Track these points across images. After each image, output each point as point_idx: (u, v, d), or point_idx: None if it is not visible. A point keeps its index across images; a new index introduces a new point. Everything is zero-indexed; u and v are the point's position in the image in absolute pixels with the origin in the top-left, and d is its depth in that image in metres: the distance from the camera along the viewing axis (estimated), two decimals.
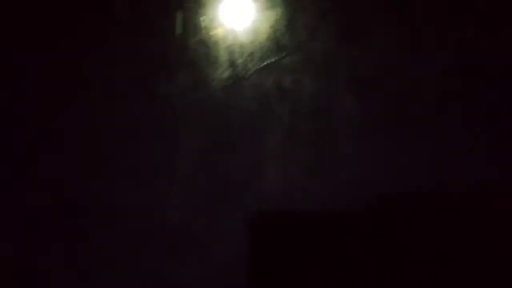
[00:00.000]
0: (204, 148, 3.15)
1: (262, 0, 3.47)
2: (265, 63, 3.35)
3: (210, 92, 3.27)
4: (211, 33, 3.36)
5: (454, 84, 3.20)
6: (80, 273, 3.07)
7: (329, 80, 3.29)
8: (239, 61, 3.38)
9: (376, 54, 3.34)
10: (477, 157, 3.00)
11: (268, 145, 3.16)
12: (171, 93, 3.23)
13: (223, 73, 3.32)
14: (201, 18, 3.35)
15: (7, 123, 3.22)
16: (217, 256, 3.06)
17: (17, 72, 3.24)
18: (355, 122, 3.20)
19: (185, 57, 3.30)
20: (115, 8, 3.29)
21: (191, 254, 3.07)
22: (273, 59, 3.37)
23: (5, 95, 3.24)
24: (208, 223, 3.10)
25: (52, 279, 3.03)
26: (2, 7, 3.30)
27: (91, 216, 3.11)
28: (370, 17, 3.41)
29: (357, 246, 2.79)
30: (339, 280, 2.71)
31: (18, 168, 3.17)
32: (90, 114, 3.25)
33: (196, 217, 3.11)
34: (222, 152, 3.14)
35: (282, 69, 3.36)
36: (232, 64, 3.34)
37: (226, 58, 3.35)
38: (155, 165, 3.22)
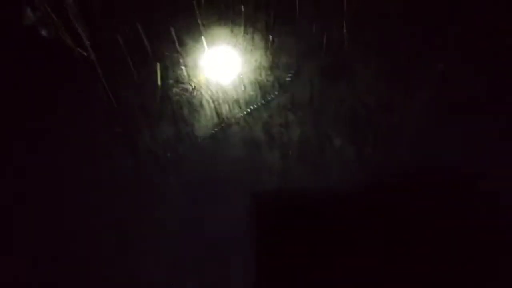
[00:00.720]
0: (192, 202, 3.01)
1: (243, 45, 3.44)
2: (251, 108, 3.26)
3: (195, 143, 3.16)
4: (193, 82, 3.28)
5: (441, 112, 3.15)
6: None
7: (317, 120, 3.20)
8: (224, 108, 3.30)
9: (363, 91, 3.28)
10: None
11: (261, 196, 3.03)
12: (154, 146, 3.11)
13: (208, 122, 3.22)
14: (182, 68, 3.28)
15: None
16: None
17: None
18: (349, 163, 3.09)
19: (168, 108, 3.21)
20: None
21: None
22: (259, 103, 3.28)
23: None
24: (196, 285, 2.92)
25: None
26: None
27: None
28: (354, 54, 3.37)
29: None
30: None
31: None
32: (72, 169, 3.12)
33: (184, 279, 2.94)
34: (211, 206, 2.99)
35: (269, 113, 3.27)
36: (217, 112, 3.25)
37: (210, 106, 3.26)
38: (141, 220, 3.07)
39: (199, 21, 3.51)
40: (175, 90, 3.32)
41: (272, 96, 3.36)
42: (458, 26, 3.25)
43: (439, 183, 2.89)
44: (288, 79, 3.40)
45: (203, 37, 3.38)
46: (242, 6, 3.52)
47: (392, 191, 2.92)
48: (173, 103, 3.31)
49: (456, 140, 3.07)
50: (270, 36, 3.58)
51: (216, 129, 3.22)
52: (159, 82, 3.33)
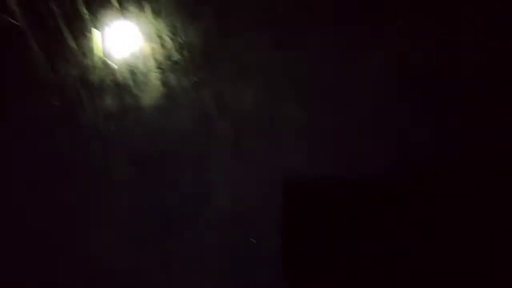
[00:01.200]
0: (140, 180, 2.85)
1: (189, 13, 3.26)
2: (200, 76, 3.11)
3: (141, 115, 2.98)
4: (137, 51, 3.08)
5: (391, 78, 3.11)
6: None
7: (269, 89, 3.10)
8: (172, 78, 3.12)
9: (314, 58, 3.20)
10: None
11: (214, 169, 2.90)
12: (97, 120, 2.90)
13: (154, 92, 3.04)
14: (124, 36, 3.07)
15: None
16: None
17: None
18: (303, 129, 3.02)
19: (109, 79, 2.99)
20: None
21: None
22: (208, 72, 3.13)
23: None
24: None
25: None
26: None
27: None
28: (304, 22, 3.28)
29: None
30: None
31: None
32: (7, 146, 2.88)
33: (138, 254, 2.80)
34: (160, 180, 2.84)
35: (219, 82, 3.12)
36: (163, 81, 3.07)
37: (155, 76, 3.08)
38: (87, 198, 2.89)
39: None
40: (116, 59, 3.15)
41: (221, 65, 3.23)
42: None
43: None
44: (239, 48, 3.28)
45: (148, 5, 3.18)
46: None
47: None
48: (115, 73, 3.13)
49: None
50: None
51: (163, 100, 3.08)
52: (100, 52, 3.12)
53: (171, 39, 3.08)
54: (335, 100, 3.05)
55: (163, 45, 3.06)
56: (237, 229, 2.81)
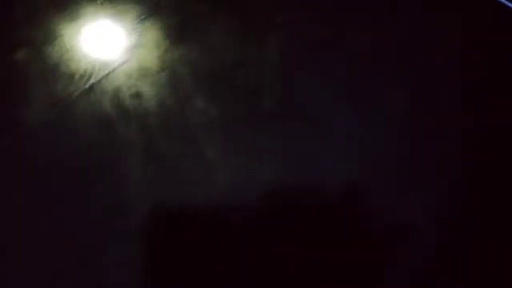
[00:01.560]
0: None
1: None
2: (91, 82, 2.78)
3: (29, 131, 2.54)
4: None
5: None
6: None
7: (173, 85, 2.90)
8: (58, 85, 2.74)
9: (217, 51, 3.10)
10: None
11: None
12: None
13: (40, 105, 2.61)
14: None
15: None
16: None
17: None
18: (212, 125, 2.87)
19: None
20: None
21: None
22: (99, 76, 2.82)
23: None
24: None
25: None
26: None
27: None
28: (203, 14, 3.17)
29: None
30: None
31: None
32: None
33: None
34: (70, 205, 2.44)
35: (117, 81, 2.83)
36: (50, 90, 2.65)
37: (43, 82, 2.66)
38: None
39: None
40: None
41: (114, 65, 2.94)
42: None
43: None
44: (131, 43, 3.04)
45: None
46: None
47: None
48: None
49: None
50: None
51: (52, 110, 2.66)
52: None
53: None
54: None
55: None
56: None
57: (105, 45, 3.00)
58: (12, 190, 2.44)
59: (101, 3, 3.18)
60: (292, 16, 3.35)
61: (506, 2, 2.59)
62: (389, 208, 2.63)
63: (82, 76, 2.81)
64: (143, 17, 3.18)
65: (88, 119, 2.70)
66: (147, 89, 2.85)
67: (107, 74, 2.86)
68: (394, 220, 2.62)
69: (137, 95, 2.82)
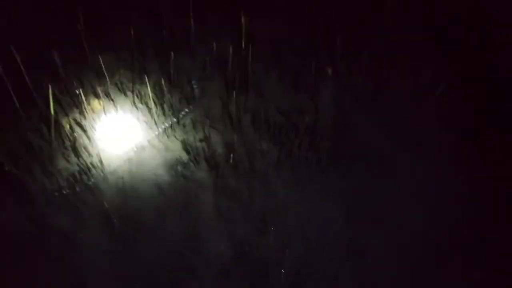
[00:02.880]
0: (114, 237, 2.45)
1: (139, 65, 3.16)
2: (163, 127, 2.96)
3: (106, 173, 2.65)
4: (90, 109, 2.82)
5: None
6: None
7: (237, 129, 3.05)
8: (134, 131, 2.92)
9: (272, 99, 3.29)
10: None
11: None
12: (52, 184, 2.52)
13: (117, 149, 2.77)
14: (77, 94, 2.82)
15: None
16: None
17: None
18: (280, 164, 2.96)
19: (63, 140, 2.66)
20: None
21: None
22: (170, 122, 3.00)
23: None
24: None
25: None
26: None
27: None
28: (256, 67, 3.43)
29: None
30: None
31: None
32: None
33: None
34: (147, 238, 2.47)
35: (185, 130, 2.99)
36: (126, 136, 2.83)
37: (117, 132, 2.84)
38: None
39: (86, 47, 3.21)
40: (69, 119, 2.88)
41: (183, 113, 3.14)
42: None
43: None
44: (196, 92, 3.27)
45: None
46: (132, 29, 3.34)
47: None
48: (68, 134, 2.82)
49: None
50: (172, 53, 3.49)
51: (129, 154, 2.83)
52: (52, 112, 2.81)
53: None
54: None
55: None
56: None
57: (173, 95, 3.25)
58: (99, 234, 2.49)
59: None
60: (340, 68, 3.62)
61: None
62: None
63: (155, 123, 3.01)
64: (206, 70, 3.46)
65: (161, 162, 2.84)
66: (212, 134, 3.01)
67: (177, 121, 3.05)
68: None
69: (205, 139, 2.98)
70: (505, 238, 2.60)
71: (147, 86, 3.29)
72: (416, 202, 2.76)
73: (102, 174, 2.73)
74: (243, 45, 3.66)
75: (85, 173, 2.69)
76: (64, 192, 2.62)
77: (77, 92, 3.04)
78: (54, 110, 2.82)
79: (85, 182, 2.67)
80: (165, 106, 3.15)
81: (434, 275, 2.50)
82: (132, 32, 3.63)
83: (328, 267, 2.48)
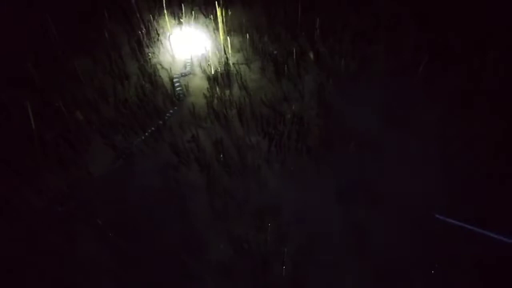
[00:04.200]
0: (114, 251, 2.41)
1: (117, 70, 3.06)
2: (149, 131, 2.89)
3: (98, 184, 2.60)
4: (73, 119, 2.72)
5: None
6: None
7: (224, 125, 3.00)
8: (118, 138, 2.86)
9: (258, 91, 3.23)
10: None
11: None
12: (40, 201, 2.44)
13: (104, 158, 2.70)
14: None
15: None
16: None
17: None
18: (269, 157, 2.92)
19: (50, 153, 2.57)
20: None
21: None
22: (156, 125, 2.93)
23: None
24: None
25: None
26: None
27: None
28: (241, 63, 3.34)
29: None
30: None
31: None
32: None
33: None
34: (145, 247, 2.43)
35: (172, 131, 2.94)
36: (112, 144, 2.76)
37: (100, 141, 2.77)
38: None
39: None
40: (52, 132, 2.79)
41: (168, 114, 3.08)
42: None
43: None
44: (179, 91, 3.21)
45: None
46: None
47: None
48: (55, 146, 2.76)
49: None
50: (150, 54, 3.44)
51: (118, 162, 2.77)
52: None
53: None
54: None
55: None
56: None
57: (156, 96, 3.19)
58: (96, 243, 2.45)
59: (148, 60, 3.42)
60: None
61: None
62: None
63: (140, 127, 2.96)
64: (187, 67, 3.39)
65: (151, 167, 2.79)
66: (201, 133, 2.97)
67: (162, 123, 3.00)
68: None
69: (193, 140, 2.93)
70: (499, 212, 2.62)
71: (128, 90, 3.23)
72: (410, 179, 2.76)
73: (92, 185, 2.68)
74: (221, 38, 3.61)
75: (75, 187, 2.64)
76: (55, 208, 2.57)
77: (57, 104, 2.97)
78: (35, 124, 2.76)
79: (75, 195, 2.62)
80: (148, 109, 3.10)
81: (436, 253, 2.51)
82: (107, 35, 3.56)
83: (329, 255, 2.47)
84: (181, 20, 3.77)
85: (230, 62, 3.44)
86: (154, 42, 3.60)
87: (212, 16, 3.73)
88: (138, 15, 3.71)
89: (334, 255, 2.47)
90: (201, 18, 3.84)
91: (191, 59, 3.45)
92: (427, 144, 2.93)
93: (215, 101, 3.16)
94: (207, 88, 3.26)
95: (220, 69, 3.36)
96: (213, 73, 3.34)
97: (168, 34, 3.67)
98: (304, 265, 2.42)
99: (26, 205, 2.58)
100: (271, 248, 2.47)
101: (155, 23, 3.71)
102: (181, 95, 3.18)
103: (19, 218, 2.55)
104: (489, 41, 3.49)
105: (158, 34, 3.63)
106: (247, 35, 3.61)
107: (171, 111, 3.07)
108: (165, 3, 3.72)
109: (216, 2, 3.68)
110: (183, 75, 3.34)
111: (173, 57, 3.50)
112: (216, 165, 2.81)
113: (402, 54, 3.51)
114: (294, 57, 3.46)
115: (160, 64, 3.43)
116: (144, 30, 3.62)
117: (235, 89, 3.27)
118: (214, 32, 3.68)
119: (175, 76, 3.31)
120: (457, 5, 3.79)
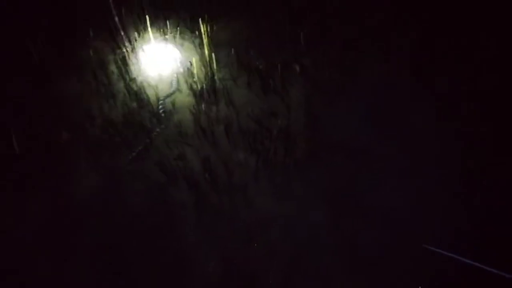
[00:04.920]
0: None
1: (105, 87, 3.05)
2: (135, 151, 2.88)
3: (83, 209, 2.58)
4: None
5: None
6: None
7: (214, 142, 3.00)
8: (103, 159, 2.85)
9: (245, 106, 3.25)
10: None
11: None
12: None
13: (86, 181, 2.69)
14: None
15: None
16: None
17: None
18: (259, 171, 2.93)
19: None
20: None
21: None
22: (142, 144, 2.93)
23: None
24: None
25: None
26: None
27: None
28: (224, 76, 3.35)
29: None
30: None
31: None
32: None
33: None
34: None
35: (159, 150, 2.94)
36: (95, 165, 2.75)
37: (84, 162, 2.75)
38: None
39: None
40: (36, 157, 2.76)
41: (155, 133, 3.07)
42: None
43: None
44: (165, 109, 3.21)
45: None
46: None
47: None
48: (40, 170, 2.74)
49: None
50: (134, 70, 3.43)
51: (104, 184, 2.75)
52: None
53: None
54: None
55: None
56: None
57: (143, 115, 3.18)
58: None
59: (132, 80, 3.41)
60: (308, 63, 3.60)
61: None
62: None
63: (126, 147, 2.95)
64: (173, 86, 3.39)
65: (138, 188, 2.78)
66: (188, 151, 2.96)
67: (149, 142, 2.99)
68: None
69: (180, 158, 2.93)
70: (495, 218, 2.62)
71: (115, 109, 3.23)
72: (400, 187, 2.77)
73: (78, 208, 2.66)
74: (206, 53, 3.62)
75: (62, 214, 2.63)
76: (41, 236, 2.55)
77: (41, 127, 2.96)
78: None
79: (61, 221, 2.60)
80: (135, 128, 3.09)
81: (426, 263, 2.51)
82: (92, 53, 3.56)
83: (319, 270, 2.47)
84: (166, 36, 3.78)
85: (216, 77, 3.44)
86: (140, 59, 3.60)
87: (197, 31, 3.73)
88: (122, 33, 3.70)
89: (324, 269, 2.46)
90: (187, 33, 3.85)
91: (177, 75, 3.45)
92: (418, 152, 2.94)
93: (202, 117, 3.16)
94: (193, 105, 3.26)
95: (206, 85, 3.36)
96: (199, 89, 3.34)
97: (153, 51, 3.67)
98: (293, 280, 2.41)
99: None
100: (260, 264, 2.46)
101: (140, 40, 3.72)
102: (167, 113, 3.17)
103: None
104: (479, 42, 3.52)
105: (144, 51, 3.64)
106: (233, 49, 3.62)
107: (157, 129, 3.07)
108: (150, 19, 3.73)
109: (201, 17, 3.70)
110: (169, 95, 3.33)
111: (159, 74, 3.50)
112: (204, 183, 2.80)
113: (390, 60, 3.54)
114: (280, 70, 3.48)
115: (146, 82, 3.43)
116: (129, 48, 3.62)
117: (222, 105, 3.27)
118: (200, 48, 3.69)
119: (160, 99, 3.28)
120: (445, 4, 3.83)
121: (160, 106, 3.20)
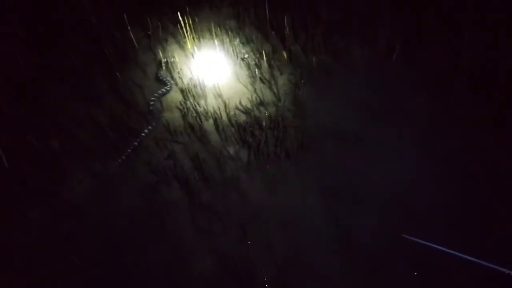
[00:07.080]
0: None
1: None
2: (126, 153, 2.85)
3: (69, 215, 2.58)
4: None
5: None
6: None
7: (204, 141, 2.96)
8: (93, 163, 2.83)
9: (234, 102, 3.18)
10: None
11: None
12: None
13: (76, 185, 2.68)
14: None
15: None
16: None
17: None
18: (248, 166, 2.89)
19: None
20: None
21: None
22: (132, 146, 2.90)
23: None
24: None
25: None
26: None
27: None
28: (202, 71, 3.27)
29: None
30: None
31: None
32: None
33: None
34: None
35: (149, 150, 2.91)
36: (87, 168, 2.73)
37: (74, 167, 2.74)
38: None
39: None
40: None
41: (143, 134, 3.03)
42: None
43: None
44: (153, 108, 3.16)
45: None
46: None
47: None
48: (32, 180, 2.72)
49: None
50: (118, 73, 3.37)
51: (95, 187, 2.73)
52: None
53: None
54: None
55: None
56: None
57: (131, 116, 3.13)
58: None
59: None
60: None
61: None
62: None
63: (116, 150, 2.91)
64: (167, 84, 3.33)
65: (130, 190, 2.75)
66: (178, 149, 2.93)
67: (139, 143, 2.95)
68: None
69: (170, 157, 2.89)
70: (490, 203, 2.57)
71: (102, 112, 3.17)
72: (393, 171, 2.72)
73: (72, 213, 2.65)
74: (189, 46, 3.54)
75: (55, 217, 2.61)
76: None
77: (30, 136, 2.92)
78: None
79: (54, 226, 2.58)
80: (123, 130, 3.04)
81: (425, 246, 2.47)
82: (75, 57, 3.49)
83: (317, 261, 2.43)
84: (149, 32, 3.70)
85: (202, 70, 3.37)
86: (123, 59, 3.53)
87: (179, 24, 3.64)
88: (104, 34, 3.63)
89: (320, 260, 2.43)
90: (169, 27, 3.77)
91: (163, 71, 3.39)
92: (408, 137, 2.88)
93: (190, 113, 3.10)
94: (181, 101, 3.20)
95: (193, 79, 3.30)
96: (185, 84, 3.28)
97: (136, 48, 3.60)
98: (289, 273, 2.39)
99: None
100: (256, 259, 2.44)
101: (122, 39, 3.63)
102: (155, 112, 3.12)
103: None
104: (466, 23, 3.41)
105: (127, 50, 3.56)
106: (217, 40, 3.54)
107: (146, 130, 3.01)
108: (130, 17, 3.62)
109: (181, 10, 3.61)
110: (162, 94, 3.26)
111: (144, 71, 3.44)
112: (196, 180, 2.75)
113: (377, 44, 3.45)
114: (266, 58, 3.40)
115: (132, 81, 3.37)
116: (112, 48, 3.54)
117: (210, 99, 3.21)
118: (183, 41, 3.61)
119: (152, 99, 3.22)
120: None
121: (151, 108, 3.14)
